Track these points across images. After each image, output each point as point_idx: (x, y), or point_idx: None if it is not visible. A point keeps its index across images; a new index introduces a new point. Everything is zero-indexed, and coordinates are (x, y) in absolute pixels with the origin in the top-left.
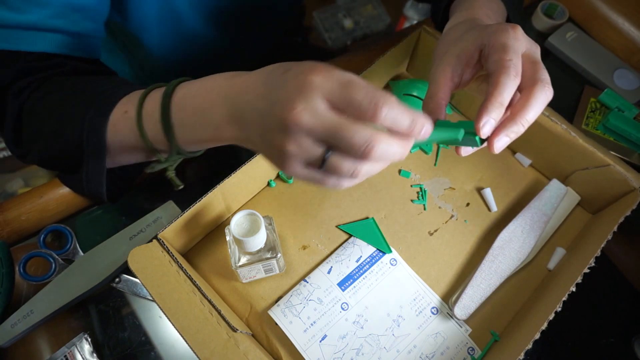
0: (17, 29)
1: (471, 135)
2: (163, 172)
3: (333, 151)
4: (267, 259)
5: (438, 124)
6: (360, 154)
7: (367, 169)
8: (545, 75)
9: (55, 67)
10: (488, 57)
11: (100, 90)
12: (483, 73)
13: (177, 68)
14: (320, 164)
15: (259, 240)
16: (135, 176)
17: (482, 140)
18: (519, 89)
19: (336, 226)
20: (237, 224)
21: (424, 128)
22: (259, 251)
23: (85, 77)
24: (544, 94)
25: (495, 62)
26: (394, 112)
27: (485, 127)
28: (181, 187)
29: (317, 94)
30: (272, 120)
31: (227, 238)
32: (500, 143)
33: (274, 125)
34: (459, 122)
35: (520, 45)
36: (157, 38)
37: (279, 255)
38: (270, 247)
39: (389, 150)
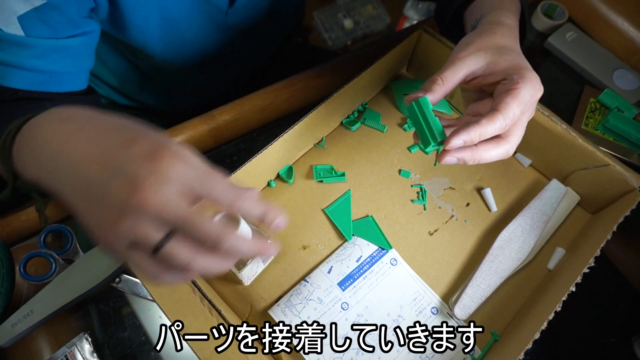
0: None
1: (431, 140)
2: None
3: (173, 237)
4: None
5: (424, 104)
6: (209, 243)
7: (205, 264)
8: (516, 140)
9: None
10: (502, 92)
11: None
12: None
13: (181, 72)
14: (154, 250)
15: (246, 229)
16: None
17: (431, 147)
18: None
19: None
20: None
21: (277, 220)
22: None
23: (12, 104)
24: (504, 152)
25: (505, 104)
26: (250, 205)
27: (454, 145)
28: (44, 226)
29: (173, 181)
30: (109, 193)
31: None
32: (448, 161)
33: (109, 198)
34: (434, 121)
35: (531, 107)
36: (160, 52)
37: (269, 240)
38: (258, 234)
39: (239, 247)
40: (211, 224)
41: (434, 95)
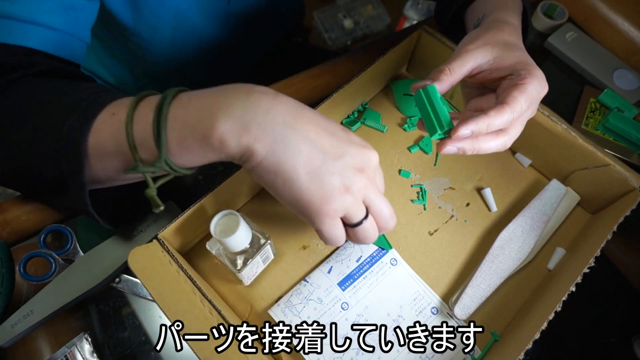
0: (4, 18)
1: (438, 128)
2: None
3: (368, 217)
4: (262, 245)
5: (432, 92)
6: (386, 221)
7: (372, 240)
8: (515, 133)
9: (32, 65)
10: (510, 86)
11: (83, 96)
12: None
13: (181, 69)
14: (355, 224)
15: (245, 229)
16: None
17: (437, 135)
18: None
19: None
20: (218, 229)
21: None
22: (251, 244)
23: (64, 80)
24: (502, 144)
25: (512, 97)
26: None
27: (461, 135)
28: (161, 208)
29: (380, 174)
30: (342, 168)
31: (213, 252)
32: (449, 150)
33: (340, 174)
34: (442, 109)
35: (535, 103)
36: (169, 41)
37: (269, 240)
38: (258, 234)
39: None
40: (391, 212)
41: (442, 84)
